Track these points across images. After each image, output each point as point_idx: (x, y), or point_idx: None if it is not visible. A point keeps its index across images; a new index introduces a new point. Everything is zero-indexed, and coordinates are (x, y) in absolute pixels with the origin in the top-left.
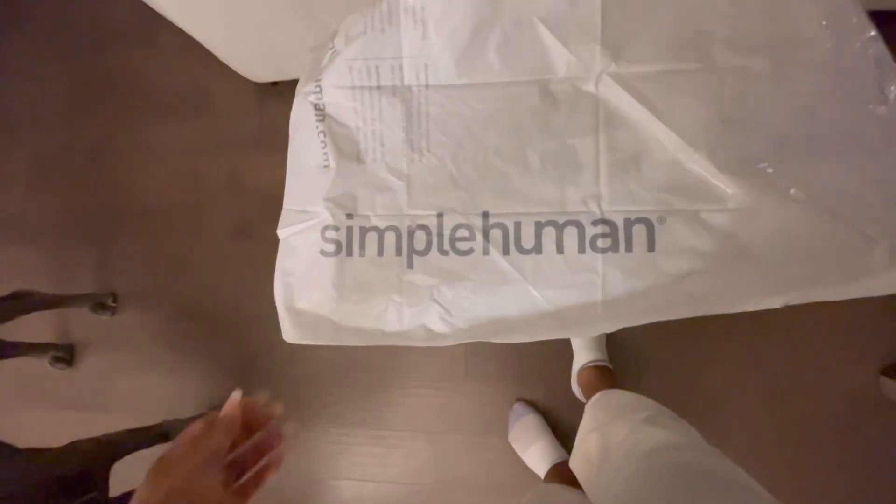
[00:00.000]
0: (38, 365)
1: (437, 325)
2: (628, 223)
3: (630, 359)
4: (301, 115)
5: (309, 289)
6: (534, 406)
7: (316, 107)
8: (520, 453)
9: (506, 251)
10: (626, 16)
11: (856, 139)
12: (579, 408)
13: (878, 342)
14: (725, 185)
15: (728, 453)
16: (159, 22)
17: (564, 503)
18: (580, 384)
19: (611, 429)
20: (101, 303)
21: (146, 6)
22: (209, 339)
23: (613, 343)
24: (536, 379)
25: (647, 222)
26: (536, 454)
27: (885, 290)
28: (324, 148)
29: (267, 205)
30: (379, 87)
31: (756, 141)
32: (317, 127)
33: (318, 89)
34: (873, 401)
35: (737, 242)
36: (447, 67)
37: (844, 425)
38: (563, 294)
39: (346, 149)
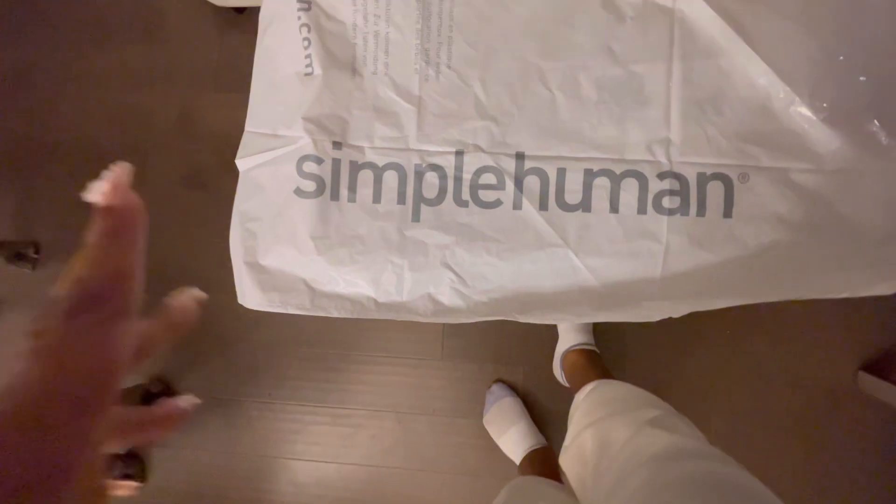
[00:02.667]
0: None
1: (448, 297)
2: (702, 179)
3: (614, 343)
4: (277, 1)
5: (279, 240)
6: (512, 388)
7: None
8: (495, 437)
9: (543, 206)
10: None
11: None
12: (561, 392)
13: (860, 338)
14: (826, 139)
15: (708, 438)
16: None
17: (549, 499)
18: (564, 368)
19: (609, 426)
20: (20, 253)
21: None
22: (150, 300)
23: (597, 326)
24: (516, 360)
25: (725, 179)
26: (512, 438)
27: None
28: (307, 48)
29: (224, 152)
30: None
31: (867, 87)
32: (299, 18)
33: None
34: (851, 395)
35: (833, 211)
36: None
37: (822, 418)
38: (613, 264)
39: (337, 53)
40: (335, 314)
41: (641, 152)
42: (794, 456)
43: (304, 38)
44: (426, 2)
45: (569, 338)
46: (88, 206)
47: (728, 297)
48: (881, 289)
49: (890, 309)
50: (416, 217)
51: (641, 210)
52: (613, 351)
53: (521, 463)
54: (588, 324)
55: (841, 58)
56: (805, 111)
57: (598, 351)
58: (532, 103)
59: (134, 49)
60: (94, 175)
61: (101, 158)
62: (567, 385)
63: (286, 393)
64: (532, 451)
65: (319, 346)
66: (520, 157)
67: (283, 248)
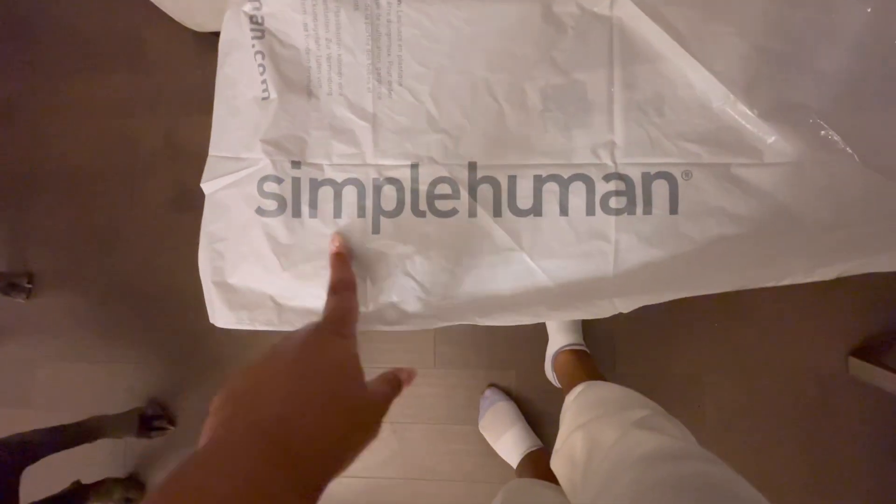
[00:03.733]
0: None
1: (411, 305)
2: (647, 178)
3: (604, 341)
4: (234, 32)
5: (244, 259)
6: (506, 393)
7: (252, 20)
8: (491, 442)
9: (497, 213)
10: None
11: None
12: (554, 394)
13: (848, 324)
14: (764, 134)
15: (699, 435)
16: None
17: (542, 500)
18: (555, 369)
19: (598, 428)
20: (13, 283)
21: None
22: (144, 324)
23: (587, 326)
24: (508, 364)
25: (669, 178)
26: (509, 442)
27: None
28: (262, 74)
29: None
30: None
31: (802, 80)
32: (253, 46)
33: None
34: (842, 382)
35: (775, 203)
36: None
37: (813, 405)
38: (567, 265)
39: (292, 77)
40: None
41: (587, 156)
42: (789, 444)
43: (260, 65)
44: (375, 24)
45: (558, 339)
46: (78, 234)
47: (677, 290)
48: (820, 274)
49: (875, 293)
50: (376, 229)
51: (590, 211)
52: (603, 349)
53: (518, 466)
54: (577, 323)
55: (773, 55)
56: (742, 108)
57: (587, 350)
58: (481, 115)
59: (119, 77)
60: (84, 202)
61: (90, 186)
62: (559, 386)
63: None
64: (529, 454)
65: None
66: (472, 166)
67: (250, 266)
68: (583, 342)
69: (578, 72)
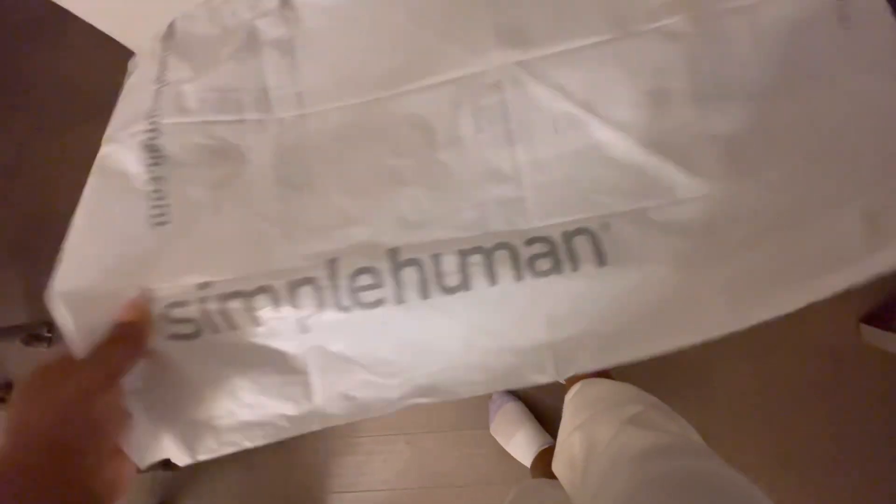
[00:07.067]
0: None
1: (362, 391)
2: (567, 237)
3: None
4: (119, 162)
5: (176, 396)
6: (513, 393)
7: (151, 149)
8: (503, 444)
9: (425, 294)
10: None
11: (813, 79)
12: (561, 389)
13: (857, 292)
14: (670, 174)
15: (713, 418)
16: (65, 15)
17: (549, 499)
18: None
19: (593, 427)
20: (34, 334)
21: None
22: None
23: None
24: None
25: (588, 232)
26: (521, 442)
27: (864, 275)
28: (159, 201)
29: None
30: (242, 121)
31: (695, 111)
32: (151, 172)
33: (152, 126)
34: (855, 351)
35: (694, 239)
36: (325, 90)
37: (829, 377)
38: (503, 334)
39: (194, 197)
40: (248, 445)
41: (503, 224)
42: (809, 419)
43: (155, 190)
44: (279, 137)
45: None
46: None
47: (626, 351)
48: (744, 321)
49: None
50: (304, 330)
51: (518, 277)
52: None
53: (532, 464)
54: None
55: (665, 95)
56: (640, 149)
57: None
58: (393, 200)
59: (107, 122)
60: None
61: None
62: (564, 383)
63: None
64: (541, 452)
65: None
66: (393, 252)
67: (182, 400)
68: None
69: (480, 144)
